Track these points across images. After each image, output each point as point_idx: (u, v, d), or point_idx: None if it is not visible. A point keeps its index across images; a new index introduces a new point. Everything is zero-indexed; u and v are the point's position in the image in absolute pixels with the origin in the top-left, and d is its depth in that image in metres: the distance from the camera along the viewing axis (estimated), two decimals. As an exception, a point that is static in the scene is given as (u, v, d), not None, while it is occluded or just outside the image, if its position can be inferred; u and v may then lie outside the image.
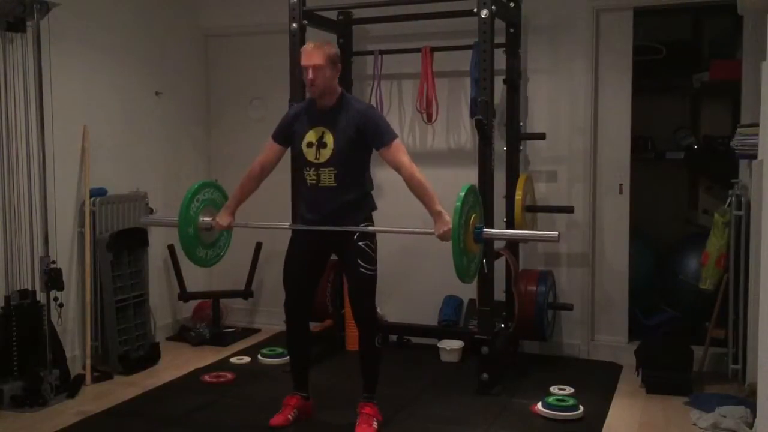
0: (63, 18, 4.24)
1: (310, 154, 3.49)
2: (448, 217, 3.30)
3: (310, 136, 3.49)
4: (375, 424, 3.53)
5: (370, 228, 3.54)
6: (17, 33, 4.03)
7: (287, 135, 3.60)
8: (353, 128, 3.43)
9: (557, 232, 3.55)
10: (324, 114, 3.49)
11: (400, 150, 3.45)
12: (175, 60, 5.35)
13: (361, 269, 3.49)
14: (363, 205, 3.56)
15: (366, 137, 3.45)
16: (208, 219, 3.67)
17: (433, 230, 3.36)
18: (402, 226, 5.06)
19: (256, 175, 3.67)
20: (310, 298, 3.75)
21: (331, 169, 3.45)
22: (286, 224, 3.77)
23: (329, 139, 3.45)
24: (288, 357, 3.96)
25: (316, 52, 3.41)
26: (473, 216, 3.38)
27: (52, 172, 4.24)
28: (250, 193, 3.72)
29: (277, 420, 3.64)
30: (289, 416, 3.66)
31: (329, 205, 3.50)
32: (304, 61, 3.43)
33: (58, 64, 4.27)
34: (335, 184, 3.47)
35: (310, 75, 3.40)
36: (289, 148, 3.65)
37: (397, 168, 3.43)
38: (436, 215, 3.36)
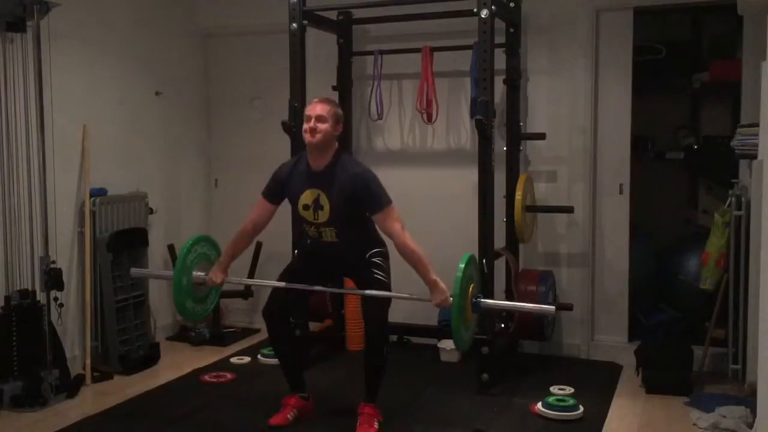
0: (63, 18, 4.24)
1: (308, 216, 3.50)
2: (444, 286, 3.32)
3: (306, 198, 3.48)
4: (376, 425, 3.52)
5: (367, 292, 3.49)
6: (17, 33, 4.03)
7: (280, 194, 3.59)
8: (348, 191, 3.42)
9: (554, 308, 3.54)
10: (318, 175, 3.47)
11: (391, 216, 3.41)
12: (175, 60, 5.35)
13: (376, 276, 3.51)
14: (368, 243, 3.58)
15: (361, 204, 3.45)
16: (201, 274, 3.63)
17: (430, 298, 3.37)
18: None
19: (248, 233, 3.66)
20: (294, 310, 3.75)
21: (332, 228, 3.48)
22: (282, 283, 3.64)
23: (325, 201, 3.44)
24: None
25: (322, 105, 3.47)
26: (471, 286, 3.39)
27: (52, 172, 4.23)
28: (243, 251, 3.72)
29: (276, 420, 3.63)
30: (289, 416, 3.65)
31: (334, 254, 3.56)
32: (308, 111, 3.46)
33: (58, 64, 4.27)
34: (337, 240, 3.50)
35: (312, 123, 3.41)
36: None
37: (389, 236, 3.43)
38: (431, 285, 3.37)
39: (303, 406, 3.72)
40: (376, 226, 3.51)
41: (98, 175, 4.59)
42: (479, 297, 3.43)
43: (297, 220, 3.65)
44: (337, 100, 5.02)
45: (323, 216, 3.46)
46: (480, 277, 3.59)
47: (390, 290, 3.56)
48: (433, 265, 4.99)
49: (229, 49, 5.65)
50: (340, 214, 3.44)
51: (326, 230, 3.49)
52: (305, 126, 3.44)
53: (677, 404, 3.94)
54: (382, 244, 3.61)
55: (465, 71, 4.62)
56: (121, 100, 4.85)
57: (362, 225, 3.55)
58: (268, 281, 3.86)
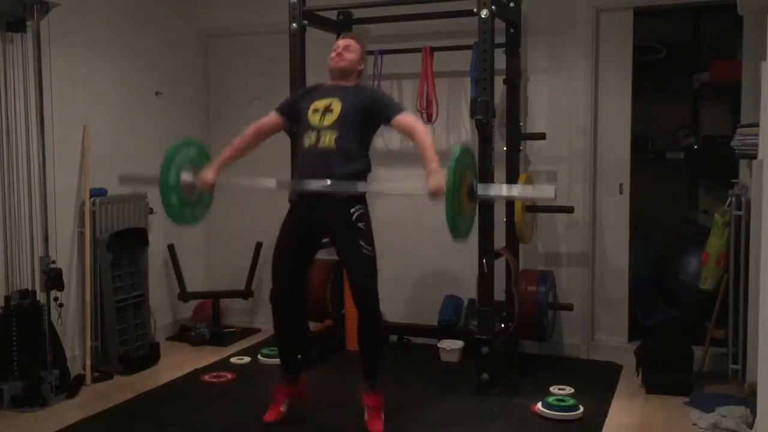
0: (63, 18, 4.25)
1: (314, 119, 3.47)
2: (443, 175, 3.19)
3: (318, 105, 3.50)
4: (383, 416, 3.52)
5: (361, 190, 3.43)
6: (17, 33, 4.03)
7: (292, 109, 3.61)
8: (363, 103, 3.48)
9: (553, 187, 3.42)
10: (337, 89, 3.54)
11: (409, 115, 3.51)
12: (175, 60, 5.35)
13: (363, 250, 3.44)
14: (358, 176, 3.47)
15: (375, 112, 3.48)
16: (190, 175, 3.52)
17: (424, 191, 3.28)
18: (402, 228, 5.09)
19: (249, 136, 3.65)
20: (301, 289, 3.71)
21: (334, 131, 3.42)
22: (273, 181, 3.59)
23: (336, 106, 3.46)
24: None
25: (351, 40, 3.63)
26: (468, 174, 3.30)
27: (52, 172, 4.24)
28: (238, 156, 3.65)
29: (270, 416, 3.64)
30: (282, 408, 3.65)
31: (325, 170, 3.39)
32: (337, 43, 3.61)
33: (58, 64, 4.27)
34: (334, 147, 3.41)
35: (340, 50, 3.55)
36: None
37: (412, 129, 3.42)
38: (432, 171, 3.27)
39: (293, 393, 3.71)
40: (397, 128, 3.49)
41: (98, 175, 4.59)
42: (475, 184, 3.34)
43: (298, 137, 3.56)
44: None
45: (329, 119, 3.44)
46: (475, 165, 3.48)
47: (376, 262, 3.49)
48: (432, 265, 5.05)
49: (229, 49, 5.65)
50: (347, 118, 3.43)
51: (327, 133, 3.42)
52: (332, 54, 3.57)
53: (677, 404, 3.94)
54: (364, 200, 3.51)
55: (465, 71, 4.62)
56: (121, 101, 4.85)
57: (361, 144, 3.51)
58: (263, 180, 3.70)
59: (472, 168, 3.41)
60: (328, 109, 3.46)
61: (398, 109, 3.49)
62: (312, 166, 3.45)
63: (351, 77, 3.59)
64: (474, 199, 3.36)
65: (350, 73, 3.58)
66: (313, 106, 3.50)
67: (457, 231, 3.24)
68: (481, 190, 3.40)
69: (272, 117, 3.66)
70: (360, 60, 3.61)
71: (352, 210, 3.45)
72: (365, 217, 3.50)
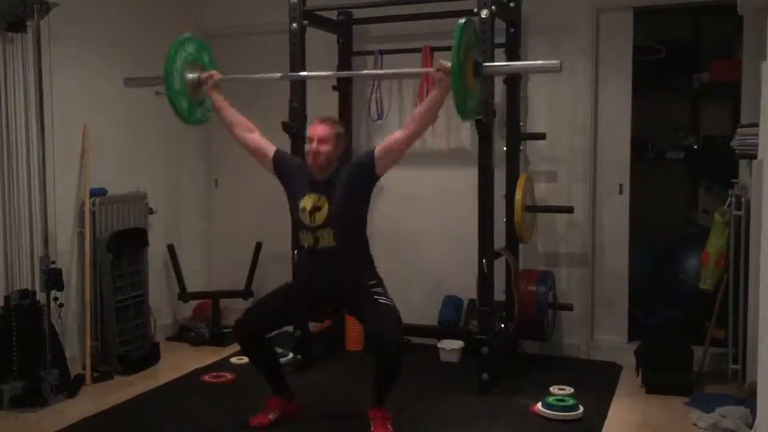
0: (63, 18, 4.24)
1: (305, 218, 3.48)
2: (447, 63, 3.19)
3: (305, 203, 3.48)
4: (390, 426, 3.49)
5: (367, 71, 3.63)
6: (17, 33, 4.03)
7: (280, 166, 3.60)
8: (347, 185, 3.45)
9: (558, 62, 3.34)
10: (321, 183, 3.48)
11: (385, 139, 3.49)
12: (175, 60, 5.34)
13: (382, 300, 3.47)
14: (366, 266, 3.55)
15: (362, 177, 3.47)
16: (195, 75, 3.58)
17: (432, 69, 3.26)
18: (402, 228, 5.09)
19: (242, 125, 3.66)
20: (270, 332, 3.72)
21: (330, 229, 3.44)
22: (278, 74, 3.83)
23: (324, 203, 3.44)
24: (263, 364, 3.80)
25: (323, 126, 3.47)
26: (472, 50, 3.26)
27: (52, 172, 4.24)
28: (231, 115, 3.68)
29: (257, 420, 3.63)
30: (270, 416, 3.65)
31: (332, 268, 3.49)
32: (310, 132, 3.46)
33: (58, 64, 4.27)
34: (335, 245, 3.45)
35: (315, 145, 3.42)
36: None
37: (397, 141, 3.40)
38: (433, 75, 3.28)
39: (286, 406, 3.71)
40: (387, 153, 3.42)
41: (98, 175, 4.59)
42: (480, 59, 3.31)
43: (295, 229, 3.61)
44: (337, 100, 5.05)
45: (320, 217, 3.44)
46: (478, 41, 3.42)
47: (398, 311, 3.48)
48: (432, 265, 5.05)
49: (229, 49, 5.62)
50: (339, 212, 3.42)
51: (323, 233, 3.45)
52: (307, 147, 3.45)
53: (677, 404, 3.94)
54: (377, 275, 3.58)
55: (465, 71, 4.62)
56: (121, 101, 4.84)
57: (360, 229, 3.54)
58: (270, 74, 3.92)
59: (476, 44, 3.37)
60: (316, 208, 3.45)
61: (371, 150, 3.49)
62: (318, 267, 3.53)
63: (332, 165, 3.48)
64: (479, 75, 3.33)
65: (330, 165, 3.47)
66: (301, 204, 3.48)
67: (465, 110, 3.26)
68: (486, 66, 3.36)
69: (269, 150, 3.63)
70: (337, 145, 3.47)
71: (365, 287, 3.50)
72: (379, 285, 3.54)
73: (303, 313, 3.83)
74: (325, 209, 3.43)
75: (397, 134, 3.43)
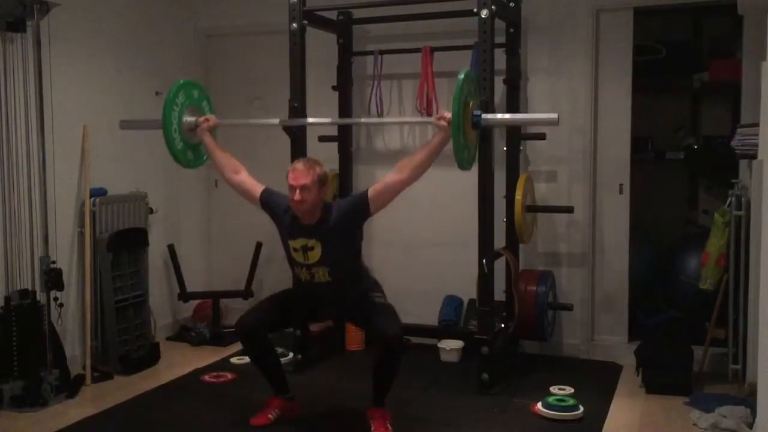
0: (63, 18, 4.25)
1: (298, 257, 3.51)
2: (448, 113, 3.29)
3: (295, 245, 3.49)
4: (390, 427, 3.50)
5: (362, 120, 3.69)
6: (17, 33, 4.03)
7: (270, 207, 3.63)
8: (340, 226, 3.45)
9: (556, 115, 3.39)
10: (310, 228, 3.48)
11: (377, 182, 3.51)
12: (175, 60, 5.35)
13: (379, 300, 3.55)
14: (364, 287, 3.61)
15: (354, 218, 3.50)
16: (192, 118, 3.74)
17: (431, 119, 3.35)
18: (402, 228, 5.09)
19: (229, 166, 3.73)
20: (272, 331, 3.73)
21: (324, 267, 3.47)
22: (276, 120, 3.91)
23: (316, 245, 3.45)
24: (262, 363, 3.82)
25: (304, 172, 3.40)
26: (471, 102, 3.33)
27: (52, 172, 4.24)
28: (221, 157, 3.77)
29: (257, 420, 3.64)
30: (270, 416, 3.65)
31: (330, 296, 3.57)
32: (291, 180, 3.41)
33: (58, 64, 4.27)
34: (330, 280, 3.49)
35: (298, 196, 3.38)
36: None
37: (392, 185, 3.44)
38: (435, 125, 3.41)
39: (286, 406, 3.71)
40: (381, 197, 3.44)
41: (98, 175, 4.59)
42: (479, 112, 3.37)
43: (288, 262, 3.64)
44: (337, 100, 5.05)
45: (313, 257, 3.47)
46: (477, 93, 3.53)
47: (396, 311, 3.56)
48: (432, 265, 5.05)
49: (229, 49, 5.64)
50: (331, 252, 3.45)
51: (318, 269, 3.49)
52: (291, 196, 3.43)
53: (677, 404, 3.94)
54: (374, 281, 3.66)
55: (465, 71, 4.62)
56: (121, 101, 4.85)
57: (354, 261, 3.59)
58: (269, 120, 4.10)
59: (475, 96, 3.43)
60: (307, 248, 3.46)
61: (364, 192, 3.50)
62: (317, 296, 3.60)
63: (317, 210, 3.46)
64: (477, 127, 3.40)
65: (316, 209, 3.44)
66: (291, 245, 3.50)
67: (464, 161, 3.37)
68: (484, 118, 3.43)
69: (256, 191, 3.66)
70: (321, 189, 3.43)
71: (364, 297, 3.57)
72: (377, 289, 3.62)
73: (304, 317, 3.91)
74: (318, 250, 3.46)
75: (393, 177, 3.43)
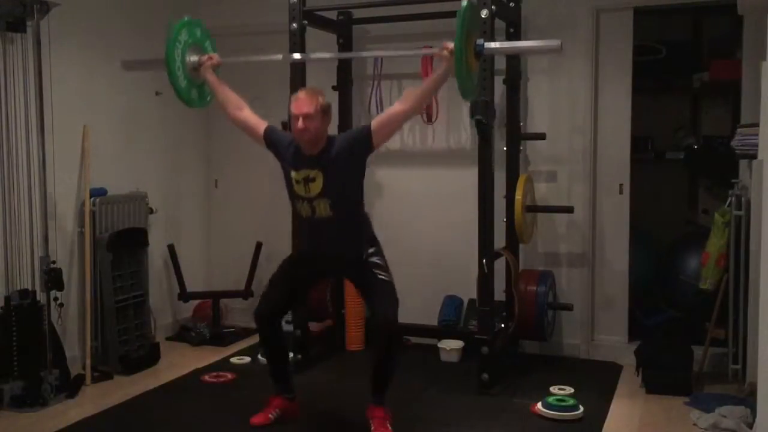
0: (63, 18, 4.25)
1: (299, 190, 3.46)
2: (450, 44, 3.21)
3: (297, 176, 3.46)
4: (390, 427, 3.49)
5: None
6: (17, 33, 4.03)
7: (274, 143, 3.58)
8: (343, 157, 3.41)
9: (559, 42, 3.31)
10: (313, 158, 3.44)
11: (380, 114, 3.48)
12: (175, 60, 5.35)
13: (380, 277, 3.47)
14: (365, 234, 3.55)
15: (356, 150, 3.43)
16: (195, 57, 3.71)
17: (436, 49, 3.27)
18: (402, 228, 5.09)
19: (234, 102, 3.71)
20: (286, 312, 3.75)
21: (325, 199, 3.42)
22: (280, 55, 3.91)
23: (318, 175, 3.41)
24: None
25: (307, 101, 3.38)
26: (473, 32, 3.29)
27: (52, 172, 4.23)
28: (221, 94, 3.74)
29: (257, 419, 3.63)
30: (270, 415, 3.65)
31: (329, 237, 3.48)
32: (294, 109, 3.39)
33: (58, 64, 4.27)
34: (332, 214, 3.43)
35: (301, 124, 3.35)
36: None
37: (396, 115, 3.39)
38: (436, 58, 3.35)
39: (287, 406, 3.71)
40: (383, 129, 3.40)
41: (98, 175, 4.59)
42: (482, 41, 3.33)
43: (291, 201, 3.57)
44: (337, 100, 5.04)
45: (315, 188, 3.41)
46: (479, 22, 3.51)
47: (395, 287, 3.51)
48: (432, 265, 5.05)
49: (229, 49, 5.61)
50: (333, 182, 3.39)
51: (320, 203, 3.42)
52: (294, 125, 3.41)
53: (677, 404, 3.94)
54: (376, 240, 3.57)
55: (465, 71, 4.62)
56: (121, 101, 4.85)
57: (356, 198, 3.51)
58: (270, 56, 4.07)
59: (477, 25, 3.39)
60: (309, 179, 3.42)
61: (367, 124, 3.47)
62: (317, 237, 3.52)
63: (321, 141, 3.42)
64: (480, 56, 3.37)
65: (320, 139, 3.41)
66: (294, 177, 3.46)
67: (467, 90, 3.33)
68: (487, 46, 3.39)
69: (260, 128, 3.63)
70: (324, 118, 3.41)
71: (365, 255, 3.50)
72: (378, 253, 3.53)
73: (309, 283, 3.80)
74: (320, 180, 3.40)
75: (396, 107, 3.41)
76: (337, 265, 3.63)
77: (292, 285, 3.70)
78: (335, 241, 3.49)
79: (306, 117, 3.35)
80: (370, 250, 3.52)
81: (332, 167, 3.40)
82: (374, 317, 3.52)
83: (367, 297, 3.62)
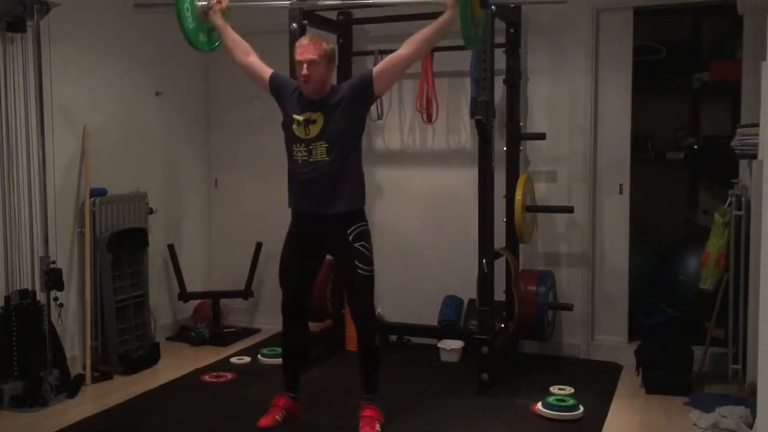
0: (63, 18, 4.24)
1: (299, 132, 3.43)
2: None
3: (298, 118, 3.43)
4: (378, 427, 3.51)
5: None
6: (17, 33, 4.03)
7: (278, 89, 3.56)
8: (345, 102, 3.40)
9: None
10: (315, 102, 3.44)
11: (382, 61, 3.47)
12: (175, 60, 5.34)
13: (359, 270, 3.46)
14: (357, 194, 3.49)
15: (357, 95, 3.41)
16: (204, 2, 3.72)
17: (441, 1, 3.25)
18: (402, 228, 5.09)
19: (244, 49, 3.68)
20: (308, 296, 3.76)
21: (323, 142, 3.39)
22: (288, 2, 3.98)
23: (318, 117, 3.39)
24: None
25: (311, 47, 3.37)
26: None
27: (52, 172, 4.24)
28: (235, 40, 3.73)
29: (265, 421, 3.64)
30: (277, 417, 3.65)
31: (322, 183, 3.41)
32: (299, 56, 3.38)
33: (58, 65, 4.27)
34: (328, 159, 3.39)
35: (305, 70, 3.35)
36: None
37: (398, 60, 3.35)
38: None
39: (292, 406, 3.72)
40: (385, 74, 3.39)
41: (98, 175, 4.59)
42: None
43: (288, 148, 3.52)
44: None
45: (314, 130, 3.39)
46: None
47: (372, 282, 3.52)
48: (432, 264, 5.05)
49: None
50: (333, 126, 3.38)
51: (317, 147, 3.39)
52: (298, 71, 3.41)
53: (677, 404, 3.94)
54: (365, 216, 3.53)
55: (465, 71, 4.61)
56: (121, 101, 4.85)
57: (353, 148, 3.48)
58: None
59: None
60: (310, 121, 3.41)
61: (369, 70, 3.47)
62: (309, 182, 3.44)
63: (324, 88, 3.43)
64: (485, 6, 3.36)
65: (324, 85, 3.41)
66: (296, 119, 3.44)
67: (471, 39, 3.31)
68: None
69: (266, 73, 3.61)
70: (329, 65, 3.41)
71: (350, 230, 3.45)
72: (364, 235, 3.48)
73: (311, 259, 3.69)
74: (320, 122, 3.39)
75: (397, 53, 3.37)
76: (326, 226, 3.48)
77: (299, 260, 3.63)
78: (326, 193, 3.41)
79: (310, 63, 3.35)
80: (359, 228, 3.46)
81: (334, 110, 3.39)
82: (352, 314, 3.67)
83: (346, 288, 3.69)
